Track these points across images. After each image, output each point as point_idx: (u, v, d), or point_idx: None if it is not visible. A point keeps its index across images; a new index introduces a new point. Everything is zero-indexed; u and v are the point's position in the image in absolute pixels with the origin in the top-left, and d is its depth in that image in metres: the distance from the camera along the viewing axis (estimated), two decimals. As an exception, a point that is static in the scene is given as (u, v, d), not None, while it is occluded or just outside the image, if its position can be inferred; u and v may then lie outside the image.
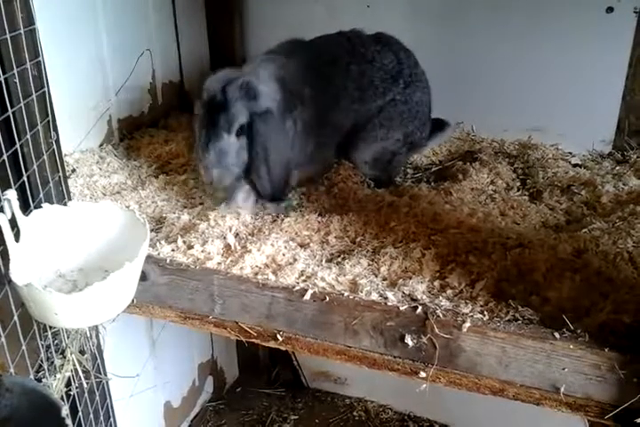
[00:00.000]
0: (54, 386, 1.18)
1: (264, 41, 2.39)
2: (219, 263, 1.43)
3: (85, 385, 1.34)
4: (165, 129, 2.24)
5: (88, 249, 1.25)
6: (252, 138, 1.54)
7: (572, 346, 1.13)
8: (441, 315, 1.22)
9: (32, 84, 1.19)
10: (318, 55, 1.73)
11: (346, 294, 1.30)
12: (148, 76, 2.23)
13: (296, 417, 2.92)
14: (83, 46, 1.90)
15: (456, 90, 2.22)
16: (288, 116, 1.60)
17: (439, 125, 2.01)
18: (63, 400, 1.24)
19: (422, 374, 1.27)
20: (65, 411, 0.80)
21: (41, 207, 1.17)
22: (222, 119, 1.51)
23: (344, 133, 1.78)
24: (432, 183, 1.91)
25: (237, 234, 1.56)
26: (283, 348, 1.40)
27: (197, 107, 1.57)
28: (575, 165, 2.02)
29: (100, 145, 2.03)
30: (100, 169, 1.87)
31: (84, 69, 1.91)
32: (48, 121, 1.24)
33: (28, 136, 1.17)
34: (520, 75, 2.12)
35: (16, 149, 1.14)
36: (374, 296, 1.29)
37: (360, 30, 1.82)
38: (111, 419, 1.54)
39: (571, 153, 2.10)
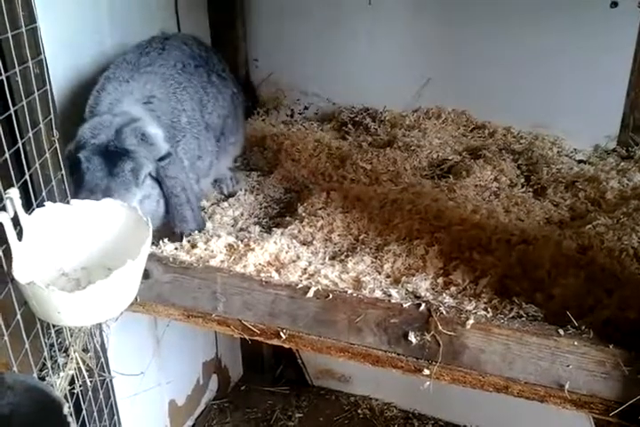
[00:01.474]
0: (58, 384, 1.18)
1: (266, 38, 2.40)
2: (222, 261, 1.43)
3: (89, 383, 1.34)
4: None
5: (91, 247, 1.24)
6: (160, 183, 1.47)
7: (576, 343, 1.13)
8: (444, 312, 1.21)
9: (34, 83, 1.19)
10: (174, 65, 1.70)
11: (349, 291, 1.30)
12: (150, 75, 2.22)
13: (300, 415, 2.92)
14: (86, 46, 1.89)
15: (460, 87, 2.22)
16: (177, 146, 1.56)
17: None
18: (67, 398, 1.24)
19: (426, 372, 1.26)
20: (67, 409, 0.80)
21: (43, 206, 1.17)
22: (127, 171, 1.39)
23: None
24: (436, 180, 1.90)
25: (241, 229, 1.57)
26: (286, 345, 1.40)
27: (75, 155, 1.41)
28: (579, 162, 2.02)
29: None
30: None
31: (88, 69, 1.91)
32: (50, 119, 1.24)
33: (30, 134, 1.17)
34: (524, 71, 2.11)
35: (18, 148, 1.13)
36: (378, 294, 1.29)
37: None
38: (115, 417, 1.54)
39: (575, 149, 2.09)
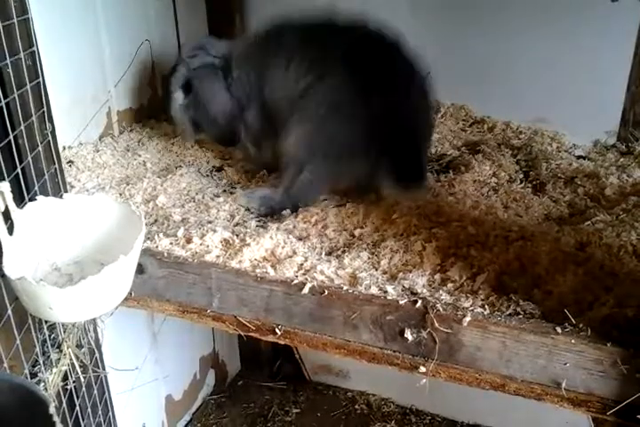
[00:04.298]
0: (50, 380, 1.17)
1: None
2: (217, 257, 1.41)
3: (83, 379, 1.33)
4: (166, 121, 2.22)
5: (84, 242, 1.23)
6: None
7: (573, 341, 1.11)
8: (441, 309, 1.20)
9: (26, 75, 1.17)
10: None
11: (345, 287, 1.28)
12: (147, 68, 2.21)
13: (298, 410, 2.91)
14: (81, 37, 1.88)
15: (458, 81, 2.19)
16: None
17: None
18: (60, 395, 1.23)
19: (422, 369, 1.25)
20: (53, 408, 0.79)
21: (35, 200, 1.16)
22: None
23: None
24: (435, 175, 1.88)
25: (237, 224, 1.55)
26: (282, 342, 1.39)
27: None
28: (579, 157, 2.00)
29: (100, 137, 2.01)
30: (99, 162, 1.86)
31: (83, 61, 1.89)
32: (43, 112, 1.23)
33: (22, 127, 1.15)
34: (523, 66, 2.09)
35: (10, 141, 1.12)
36: (374, 290, 1.27)
37: None
38: (110, 413, 1.53)
39: (574, 145, 2.08)
